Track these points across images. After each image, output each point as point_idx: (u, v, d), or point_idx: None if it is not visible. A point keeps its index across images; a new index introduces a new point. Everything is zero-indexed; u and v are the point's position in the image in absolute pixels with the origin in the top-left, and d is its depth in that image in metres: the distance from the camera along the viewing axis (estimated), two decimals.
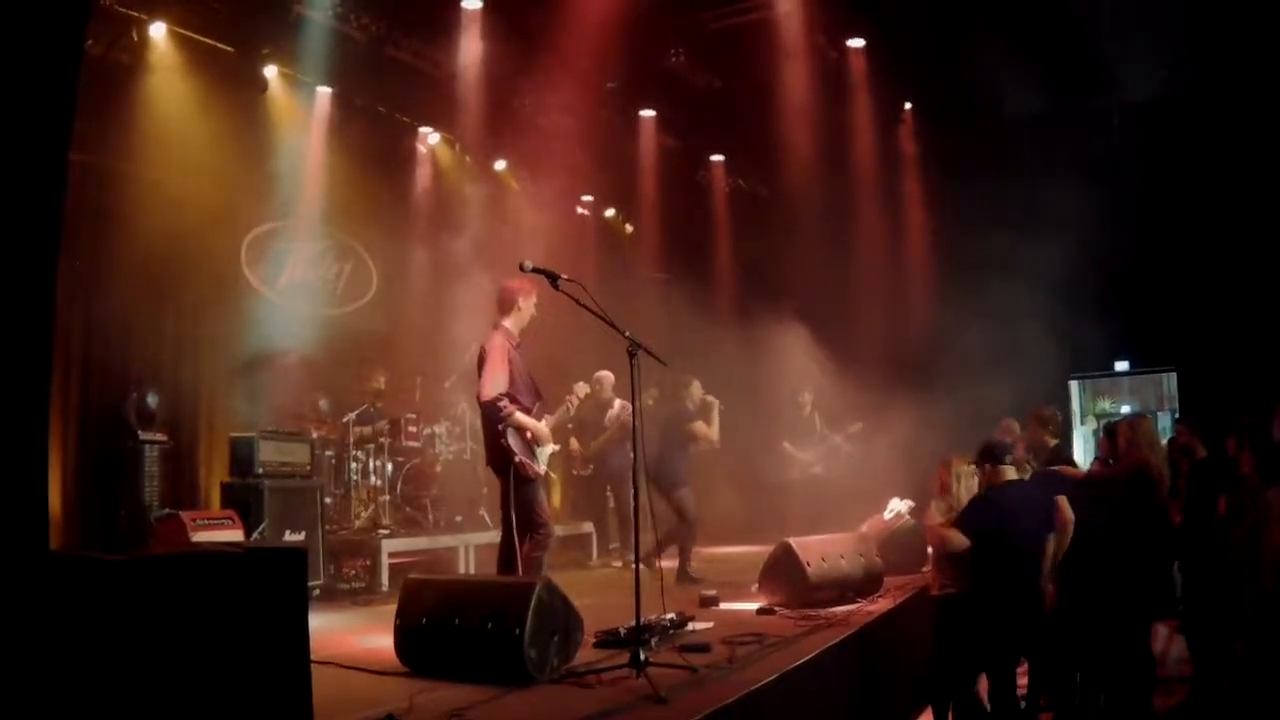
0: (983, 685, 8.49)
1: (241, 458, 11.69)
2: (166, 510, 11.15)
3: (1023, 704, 8.91)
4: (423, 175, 16.53)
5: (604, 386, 14.09)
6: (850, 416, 16.31)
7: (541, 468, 8.81)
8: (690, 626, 8.64)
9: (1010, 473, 8.32)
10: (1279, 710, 6.95)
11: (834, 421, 16.36)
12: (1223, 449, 8.87)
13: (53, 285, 4.57)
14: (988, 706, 8.40)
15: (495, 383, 8.54)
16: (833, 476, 15.87)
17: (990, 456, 8.35)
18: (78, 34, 4.97)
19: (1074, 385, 19.40)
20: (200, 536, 10.25)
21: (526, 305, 8.90)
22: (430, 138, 16.52)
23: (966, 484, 9.05)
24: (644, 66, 15.90)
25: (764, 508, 16.48)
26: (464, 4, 14.13)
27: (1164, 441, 10.14)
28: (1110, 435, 10.26)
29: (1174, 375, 18.99)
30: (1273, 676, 6.37)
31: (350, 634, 9.12)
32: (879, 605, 9.85)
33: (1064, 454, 9.76)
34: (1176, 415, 18.12)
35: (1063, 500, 8.66)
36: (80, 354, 11.96)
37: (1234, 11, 13.90)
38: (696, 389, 13.02)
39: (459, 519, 14.06)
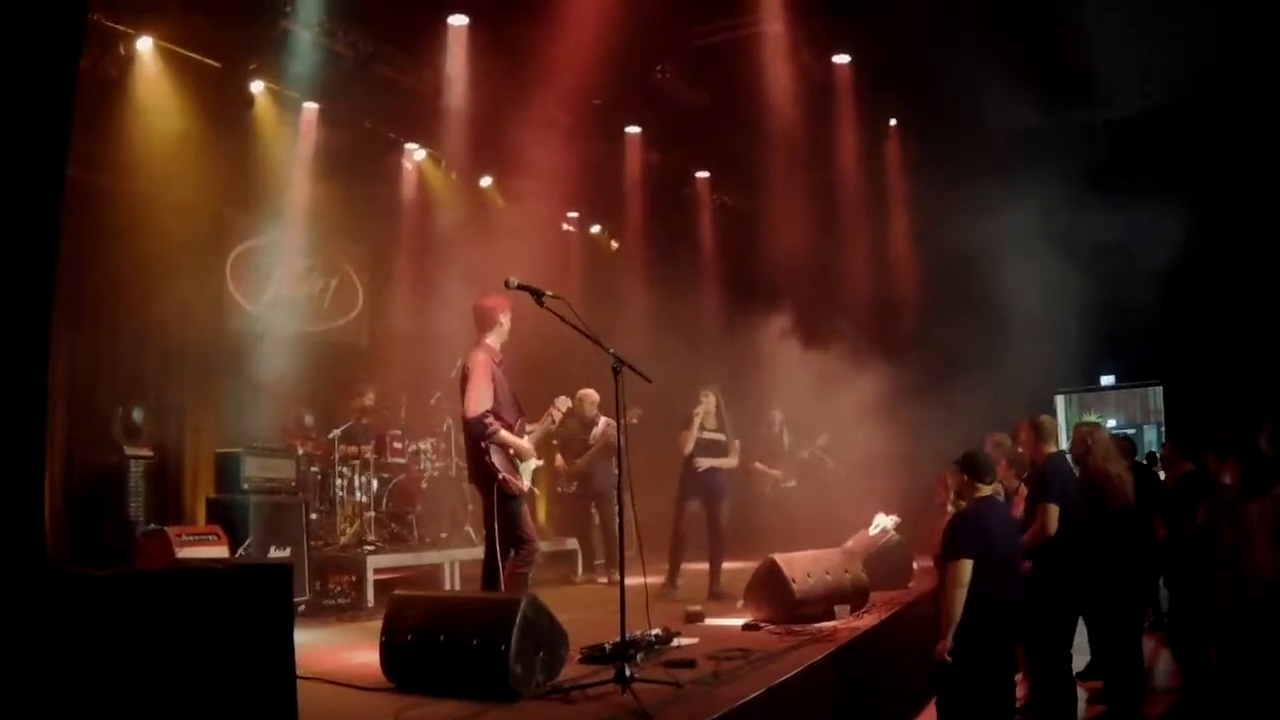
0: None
1: (227, 473, 11.69)
2: (152, 525, 11.17)
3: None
4: (408, 191, 16.55)
5: (589, 403, 14.13)
6: (816, 428, 16.37)
7: (525, 484, 8.82)
8: (676, 642, 8.65)
9: (988, 490, 8.21)
10: None
11: (802, 435, 16.41)
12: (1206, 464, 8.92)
13: (50, 301, 4.57)
14: None
15: (480, 400, 8.54)
16: (811, 491, 15.92)
17: (974, 471, 8.21)
18: (73, 51, 4.98)
19: (1060, 399, 19.44)
20: (185, 552, 10.25)
21: (506, 321, 8.91)
22: (416, 154, 16.52)
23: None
24: (630, 83, 15.92)
25: (746, 524, 16.51)
26: (450, 21, 14.18)
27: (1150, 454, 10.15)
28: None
29: (1160, 389, 19.04)
30: (1254, 689, 6.40)
31: (335, 650, 9.12)
32: (865, 621, 9.87)
33: (1063, 464, 9.62)
34: (1163, 429, 18.16)
35: (1049, 510, 8.66)
36: (66, 368, 11.92)
37: (1219, 24, 13.96)
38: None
39: (444, 535, 14.06)
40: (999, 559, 7.82)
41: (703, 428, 12.76)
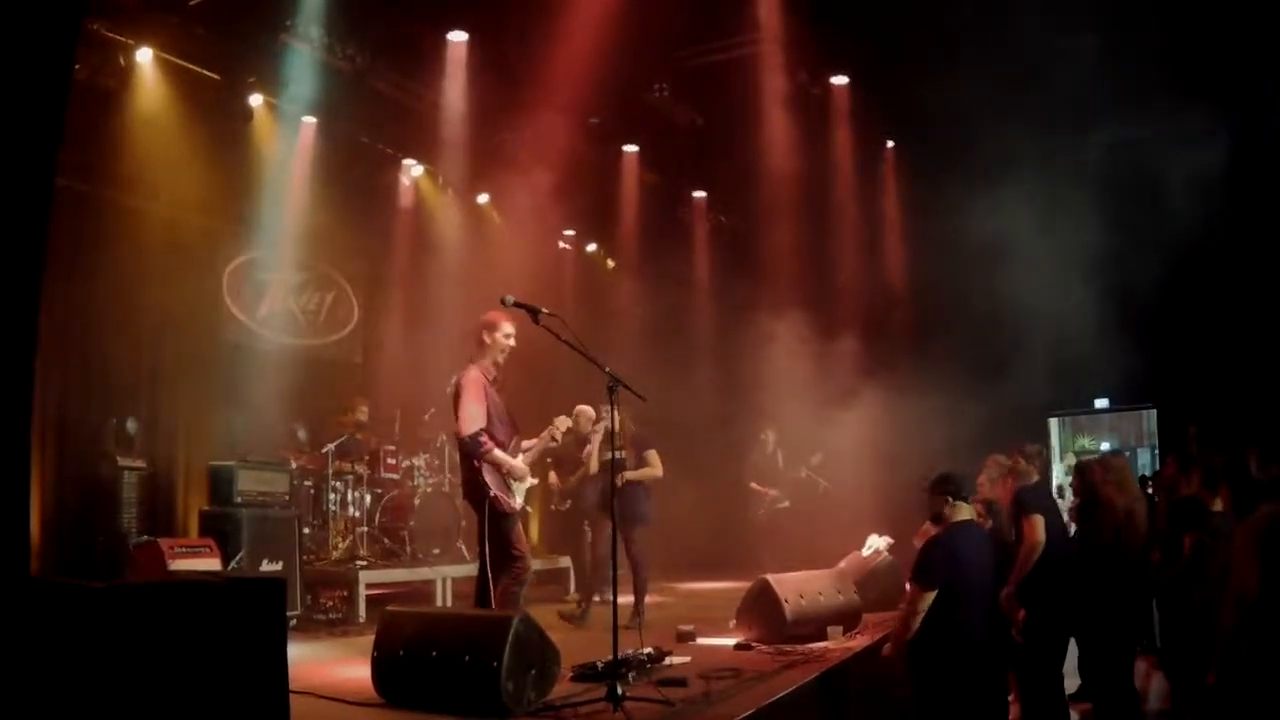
0: None
1: (220, 486, 11.70)
2: (144, 537, 11.15)
3: None
4: (405, 207, 16.54)
5: (584, 420, 14.08)
6: (810, 448, 16.36)
7: (518, 502, 8.79)
8: (667, 661, 8.65)
9: (966, 511, 8.13)
10: None
11: (796, 455, 16.41)
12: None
13: (35, 310, 4.57)
14: None
15: (473, 418, 8.51)
16: (805, 511, 15.92)
17: (949, 489, 8.08)
18: (66, 60, 4.98)
19: (1053, 422, 19.45)
20: (178, 564, 10.25)
21: (502, 339, 8.86)
22: (413, 170, 16.50)
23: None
24: (627, 102, 15.93)
25: (738, 544, 16.53)
26: (449, 37, 14.18)
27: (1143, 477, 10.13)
28: (1081, 475, 10.26)
29: (1154, 412, 19.04)
30: (1243, 712, 6.40)
31: (327, 665, 9.11)
32: (856, 641, 9.87)
33: (1046, 489, 9.68)
34: (1156, 451, 18.16)
35: (1033, 520, 8.68)
36: (59, 379, 11.92)
37: (1208, 49, 14.00)
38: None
39: (436, 551, 13.99)
40: (969, 588, 7.79)
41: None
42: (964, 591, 7.74)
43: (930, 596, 7.71)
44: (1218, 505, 8.51)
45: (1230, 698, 6.29)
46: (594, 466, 12.50)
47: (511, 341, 8.84)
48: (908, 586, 8.46)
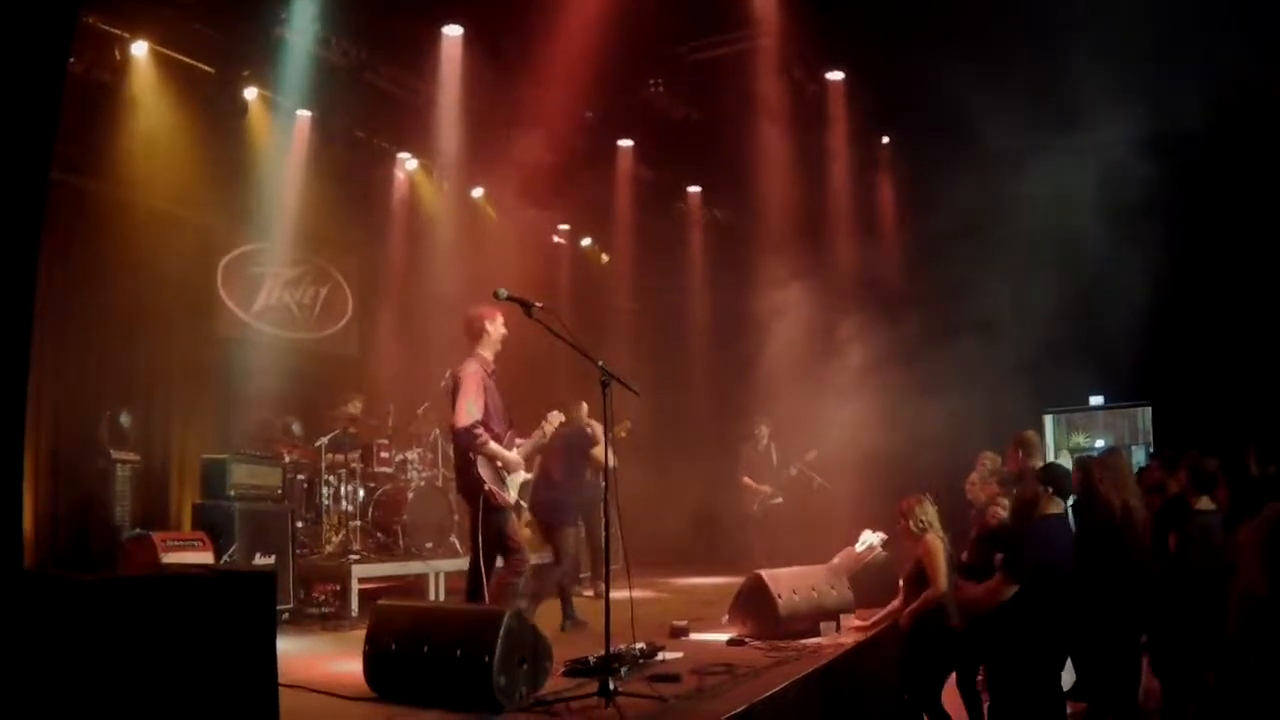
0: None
1: (213, 480, 11.68)
2: (137, 530, 11.15)
3: None
4: (400, 201, 16.55)
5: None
6: (804, 444, 16.34)
7: (512, 496, 8.78)
8: (660, 656, 8.62)
9: (1059, 505, 8.27)
10: None
11: (789, 451, 16.39)
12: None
13: (30, 304, 4.56)
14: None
15: (470, 410, 8.52)
16: (798, 506, 15.91)
17: (1053, 482, 8.30)
18: (62, 53, 4.97)
19: (1049, 419, 19.41)
20: (170, 557, 10.24)
21: (495, 330, 8.86)
22: (408, 164, 16.54)
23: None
24: (622, 97, 15.91)
25: (732, 539, 16.51)
26: (444, 31, 14.17)
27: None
28: (1082, 471, 10.23)
29: (1149, 410, 19.01)
30: (1248, 711, 6.39)
31: (319, 659, 9.08)
32: (849, 637, 9.84)
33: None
34: (1151, 450, 18.12)
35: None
36: (53, 372, 11.91)
37: (1206, 51, 13.98)
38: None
39: (429, 545, 13.98)
40: (1055, 581, 7.92)
41: None
42: (1049, 585, 7.90)
43: (1014, 589, 7.87)
44: (1201, 504, 8.52)
45: (1233, 696, 6.29)
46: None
47: (504, 331, 8.88)
48: (996, 577, 8.45)
